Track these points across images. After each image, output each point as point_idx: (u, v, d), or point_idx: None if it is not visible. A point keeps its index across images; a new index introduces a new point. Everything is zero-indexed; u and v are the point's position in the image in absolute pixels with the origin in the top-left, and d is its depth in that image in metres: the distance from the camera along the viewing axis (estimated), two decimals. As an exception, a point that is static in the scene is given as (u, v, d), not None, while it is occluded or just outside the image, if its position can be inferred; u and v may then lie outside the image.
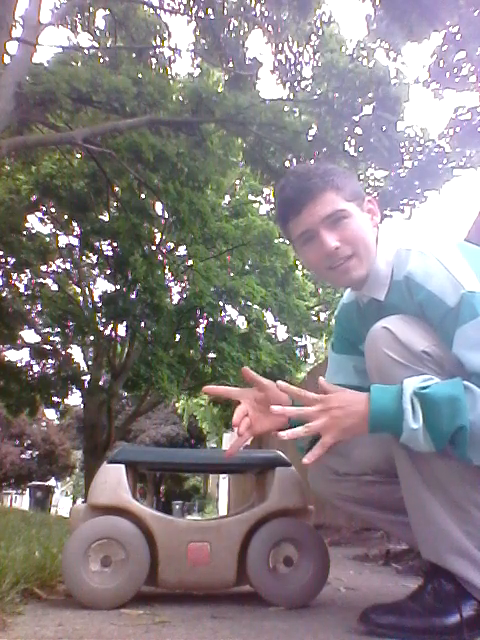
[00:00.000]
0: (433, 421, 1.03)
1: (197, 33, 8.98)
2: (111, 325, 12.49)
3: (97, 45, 9.85)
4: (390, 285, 1.25)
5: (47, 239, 12.10)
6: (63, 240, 12.56)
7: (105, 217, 11.32)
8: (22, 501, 28.36)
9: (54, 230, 12.40)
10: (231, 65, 8.85)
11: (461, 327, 1.08)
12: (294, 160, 8.33)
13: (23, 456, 25.92)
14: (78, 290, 13.31)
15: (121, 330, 12.59)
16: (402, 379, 1.08)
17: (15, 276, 12.17)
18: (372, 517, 1.42)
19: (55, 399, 13.01)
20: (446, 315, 1.11)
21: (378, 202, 1.36)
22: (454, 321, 1.10)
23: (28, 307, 12.89)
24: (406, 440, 1.06)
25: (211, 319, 11.30)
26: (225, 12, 8.81)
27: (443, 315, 1.12)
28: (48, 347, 13.05)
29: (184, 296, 11.88)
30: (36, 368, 13.11)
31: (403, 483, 1.17)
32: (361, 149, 8.46)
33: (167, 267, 11.14)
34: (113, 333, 12.62)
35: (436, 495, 1.11)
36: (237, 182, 13.98)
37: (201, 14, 8.79)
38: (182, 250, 12.36)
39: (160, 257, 11.07)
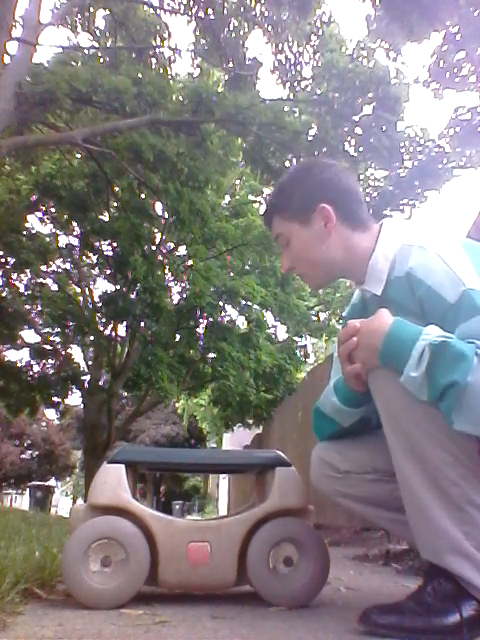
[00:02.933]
0: (435, 371, 1.05)
1: (197, 33, 8.97)
2: (111, 325, 12.48)
3: (97, 45, 9.84)
4: (388, 280, 1.27)
5: (47, 239, 12.09)
6: (63, 240, 12.56)
7: (105, 217, 11.31)
8: (22, 501, 28.36)
9: (54, 230, 12.39)
10: (231, 65, 8.85)
11: (463, 324, 1.09)
12: (294, 160, 8.33)
13: (23, 456, 25.92)
14: (78, 290, 13.29)
15: (121, 330, 12.60)
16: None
17: (15, 276, 12.16)
18: (373, 515, 1.42)
19: (55, 399, 12.99)
20: (446, 312, 1.12)
21: (339, 201, 1.33)
22: (455, 318, 1.11)
23: (28, 307, 12.87)
24: (404, 382, 1.09)
25: (211, 319, 11.30)
26: (225, 12, 8.79)
27: (443, 311, 1.13)
28: (48, 347, 13.04)
29: (184, 296, 11.87)
30: (36, 368, 13.10)
31: (401, 483, 1.18)
32: (361, 149, 8.45)
33: (167, 267, 11.13)
34: (113, 333, 12.61)
35: (434, 495, 1.11)
36: (237, 182, 13.97)
37: (201, 14, 8.78)
38: (182, 250, 12.36)
39: (160, 257, 11.06)
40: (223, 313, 11.88)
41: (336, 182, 1.35)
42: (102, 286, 32.98)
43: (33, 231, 11.82)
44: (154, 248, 11.12)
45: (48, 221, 12.07)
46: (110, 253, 11.52)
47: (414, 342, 1.08)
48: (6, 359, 13.12)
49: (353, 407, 1.35)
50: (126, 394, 16.83)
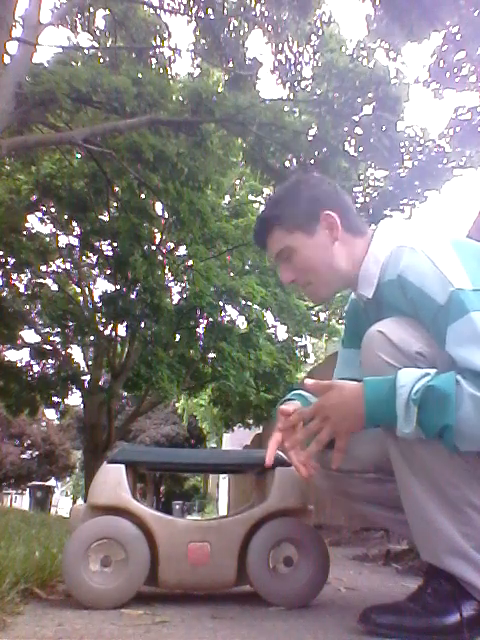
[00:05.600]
0: (425, 418, 1.05)
1: (197, 33, 8.98)
2: (111, 325, 12.48)
3: (97, 45, 9.85)
4: (381, 283, 1.27)
5: (47, 239, 12.10)
6: (63, 240, 12.57)
7: (105, 217, 11.32)
8: (22, 501, 28.40)
9: (54, 230, 12.40)
10: (231, 65, 8.85)
11: (451, 325, 1.09)
12: (294, 160, 8.34)
13: (23, 456, 25.92)
14: (78, 290, 13.30)
15: (121, 330, 12.60)
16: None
17: (15, 276, 12.18)
18: (374, 514, 1.42)
19: (55, 399, 13.00)
20: (437, 313, 1.12)
21: (339, 210, 1.33)
22: (445, 319, 1.10)
23: (28, 307, 12.88)
24: (399, 434, 1.10)
25: (211, 319, 11.29)
26: (225, 12, 8.80)
27: (434, 313, 1.13)
28: (48, 347, 13.05)
29: (184, 296, 11.86)
30: (36, 368, 13.10)
31: (400, 485, 1.18)
32: (361, 149, 8.46)
33: (167, 267, 11.13)
34: (113, 333, 12.61)
35: (433, 497, 1.11)
36: (237, 182, 13.98)
37: (201, 14, 8.78)
38: (182, 250, 12.36)
39: (160, 257, 11.06)
40: (223, 313, 11.87)
41: (333, 192, 1.37)
42: (102, 286, 33.02)
43: (33, 231, 11.84)
44: (154, 248, 11.11)
45: (48, 221, 12.08)
46: (110, 253, 11.53)
47: (393, 399, 1.08)
48: (6, 359, 13.12)
49: None
50: (126, 394, 16.83)
